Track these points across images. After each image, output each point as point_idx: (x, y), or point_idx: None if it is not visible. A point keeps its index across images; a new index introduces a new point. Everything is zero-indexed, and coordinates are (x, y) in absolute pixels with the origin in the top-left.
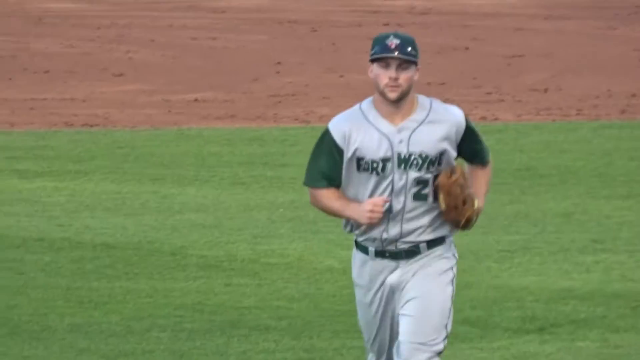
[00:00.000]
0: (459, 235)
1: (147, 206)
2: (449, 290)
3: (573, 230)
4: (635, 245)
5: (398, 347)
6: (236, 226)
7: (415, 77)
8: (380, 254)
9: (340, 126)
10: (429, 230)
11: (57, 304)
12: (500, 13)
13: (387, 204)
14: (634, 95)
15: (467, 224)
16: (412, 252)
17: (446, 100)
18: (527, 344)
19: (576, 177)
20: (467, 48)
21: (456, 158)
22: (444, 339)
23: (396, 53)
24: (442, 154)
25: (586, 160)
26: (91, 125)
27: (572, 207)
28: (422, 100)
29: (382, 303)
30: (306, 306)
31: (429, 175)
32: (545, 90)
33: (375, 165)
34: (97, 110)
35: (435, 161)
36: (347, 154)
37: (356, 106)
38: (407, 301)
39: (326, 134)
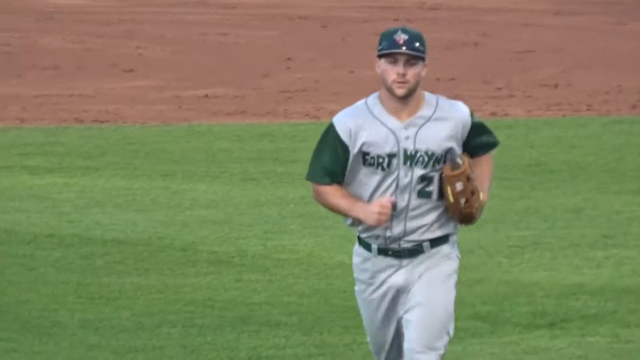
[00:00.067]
0: (469, 231)
1: (157, 202)
2: (452, 295)
3: (583, 225)
4: None
5: (403, 352)
6: (246, 222)
7: (423, 73)
8: (383, 251)
9: (346, 122)
10: (432, 228)
11: (67, 300)
12: (510, 8)
13: (394, 204)
14: None
15: (472, 218)
16: (416, 250)
17: (456, 96)
18: (538, 339)
19: (586, 173)
20: (477, 43)
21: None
22: (446, 343)
23: (404, 48)
24: (447, 151)
25: (596, 155)
26: (101, 122)
27: (583, 202)
28: (429, 97)
29: (385, 303)
30: (317, 302)
31: (433, 173)
32: (556, 86)
33: (381, 160)
34: (107, 106)
35: (440, 159)
36: (354, 150)
37: (362, 101)
38: (413, 307)
39: (330, 129)
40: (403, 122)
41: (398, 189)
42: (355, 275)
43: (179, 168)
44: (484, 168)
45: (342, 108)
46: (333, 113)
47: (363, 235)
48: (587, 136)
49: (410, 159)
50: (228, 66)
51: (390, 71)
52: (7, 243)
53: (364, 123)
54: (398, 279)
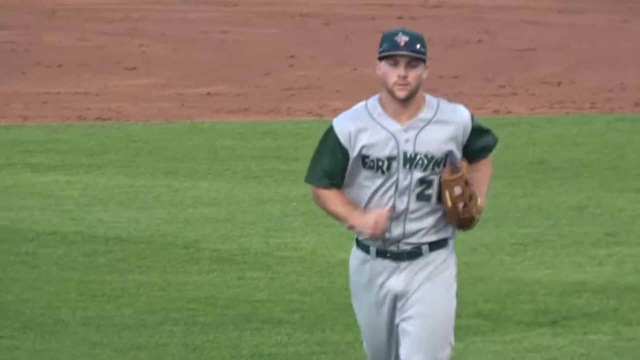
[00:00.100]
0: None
1: (160, 200)
2: (454, 305)
3: (586, 223)
4: None
5: (400, 358)
6: (249, 220)
7: (424, 75)
8: (381, 254)
9: (346, 125)
10: (431, 232)
11: (69, 298)
12: (513, 6)
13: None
14: None
15: (470, 223)
16: (414, 253)
17: (459, 94)
18: (540, 337)
19: (589, 170)
20: (480, 41)
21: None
22: (449, 353)
23: (405, 50)
24: (447, 155)
25: (599, 153)
26: (104, 119)
27: (586, 200)
28: (430, 99)
29: (385, 308)
30: (319, 299)
31: (433, 176)
32: (559, 84)
33: (380, 163)
34: (110, 104)
35: (440, 162)
36: (353, 154)
37: (362, 104)
38: (413, 317)
39: (330, 132)
40: (403, 125)
41: (397, 192)
42: (353, 279)
43: (182, 166)
44: (483, 173)
45: (345, 105)
46: (336, 110)
47: (361, 237)
48: (590, 134)
49: (410, 161)
50: (230, 64)
51: (391, 73)
52: (10, 241)
53: (364, 126)
54: (397, 284)
